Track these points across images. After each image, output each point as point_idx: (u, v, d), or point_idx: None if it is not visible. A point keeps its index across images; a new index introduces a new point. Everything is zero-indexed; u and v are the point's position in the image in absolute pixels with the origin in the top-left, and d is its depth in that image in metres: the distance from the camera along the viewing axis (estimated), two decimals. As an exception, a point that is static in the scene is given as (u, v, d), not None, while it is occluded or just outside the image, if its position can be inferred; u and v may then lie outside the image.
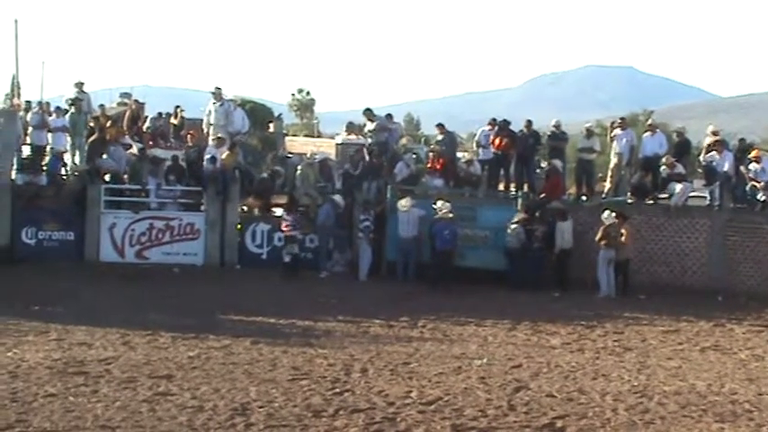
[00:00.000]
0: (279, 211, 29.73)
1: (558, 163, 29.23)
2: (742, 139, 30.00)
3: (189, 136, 31.66)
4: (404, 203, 27.10)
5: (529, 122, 30.20)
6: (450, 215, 26.43)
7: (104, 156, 29.26)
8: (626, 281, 26.21)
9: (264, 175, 29.76)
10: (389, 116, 32.38)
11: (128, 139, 30.87)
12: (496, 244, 27.38)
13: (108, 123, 30.62)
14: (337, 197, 28.32)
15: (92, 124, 30.05)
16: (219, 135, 29.54)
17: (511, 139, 29.57)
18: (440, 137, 31.42)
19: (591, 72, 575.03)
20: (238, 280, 26.62)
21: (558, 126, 30.46)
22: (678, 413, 13.35)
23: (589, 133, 30.29)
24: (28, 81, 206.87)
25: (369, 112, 31.16)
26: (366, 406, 13.09)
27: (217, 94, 30.68)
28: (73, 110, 30.08)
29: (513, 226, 26.70)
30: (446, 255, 26.32)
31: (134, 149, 30.78)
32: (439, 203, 26.76)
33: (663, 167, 28.04)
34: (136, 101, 39.10)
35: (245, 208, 29.97)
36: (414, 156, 32.21)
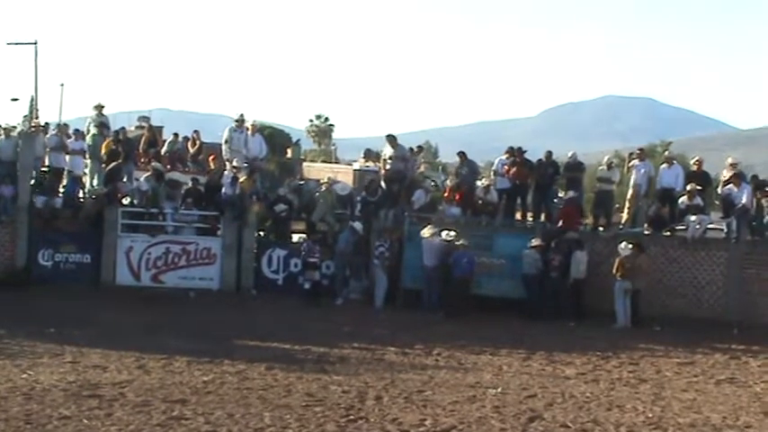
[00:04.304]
0: (296, 237, 29.79)
1: (572, 194, 29.17)
2: (754, 176, 29.70)
3: (211, 160, 31.70)
4: (427, 232, 27.08)
5: (549, 153, 30.21)
6: (466, 243, 26.42)
7: (124, 179, 29.35)
8: (636, 311, 26.05)
9: (282, 206, 29.62)
10: (413, 150, 32.20)
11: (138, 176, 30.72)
12: (512, 272, 27.24)
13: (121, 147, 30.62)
14: (357, 224, 28.25)
15: (112, 146, 30.05)
16: (236, 162, 29.58)
17: (527, 168, 29.53)
18: (459, 164, 31.35)
19: (610, 102, 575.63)
20: (254, 305, 26.63)
21: (573, 158, 30.43)
22: (692, 446, 13.33)
23: (609, 164, 30.18)
24: (46, 103, 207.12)
25: (391, 138, 30.85)
26: (380, 434, 13.09)
27: (240, 122, 30.67)
28: (95, 131, 30.19)
29: (529, 252, 26.68)
30: (463, 283, 26.30)
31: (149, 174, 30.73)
32: (443, 233, 26.81)
33: (681, 199, 27.98)
34: (150, 126, 39.26)
35: (262, 233, 29.99)
36: (433, 183, 32.07)
